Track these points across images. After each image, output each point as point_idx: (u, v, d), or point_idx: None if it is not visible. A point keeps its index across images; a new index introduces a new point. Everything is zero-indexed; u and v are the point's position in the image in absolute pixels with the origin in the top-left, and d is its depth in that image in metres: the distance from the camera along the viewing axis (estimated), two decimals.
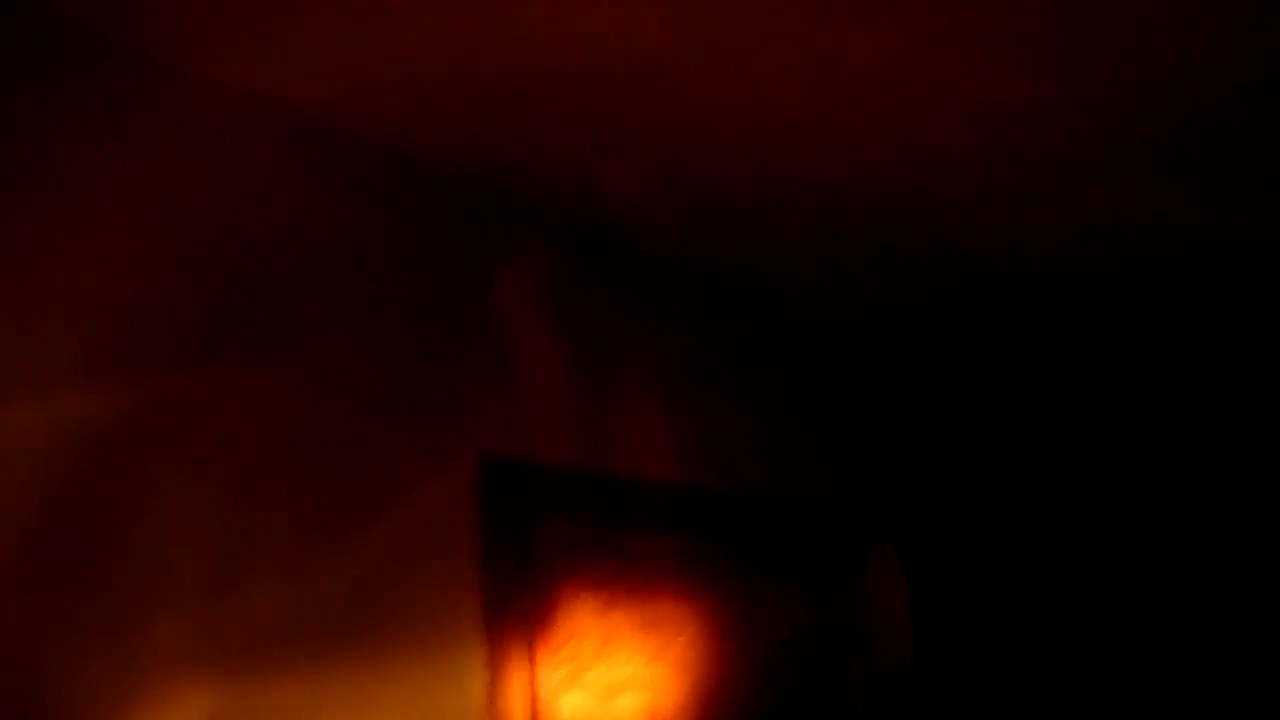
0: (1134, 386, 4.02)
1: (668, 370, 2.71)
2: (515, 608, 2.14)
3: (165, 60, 1.79)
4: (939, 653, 3.30)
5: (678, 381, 2.72)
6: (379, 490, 1.97)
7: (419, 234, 2.20)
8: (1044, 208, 2.55)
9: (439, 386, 2.14)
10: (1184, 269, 3.06)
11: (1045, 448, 4.09)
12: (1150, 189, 2.47)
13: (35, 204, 1.62)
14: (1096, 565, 4.05)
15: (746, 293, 2.99)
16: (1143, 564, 4.15)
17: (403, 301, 2.14)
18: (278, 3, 1.66)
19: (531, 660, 2.16)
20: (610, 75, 1.90)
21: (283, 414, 1.86)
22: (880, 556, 3.19)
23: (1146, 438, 4.22)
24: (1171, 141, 2.25)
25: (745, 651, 2.69)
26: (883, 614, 3.15)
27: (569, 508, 2.35)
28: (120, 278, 1.68)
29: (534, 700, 2.14)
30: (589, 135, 2.12)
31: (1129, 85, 2.01)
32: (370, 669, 1.88)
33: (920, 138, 2.16)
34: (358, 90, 1.92)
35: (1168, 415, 4.16)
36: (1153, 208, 2.57)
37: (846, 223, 2.58)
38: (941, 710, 3.24)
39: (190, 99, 1.84)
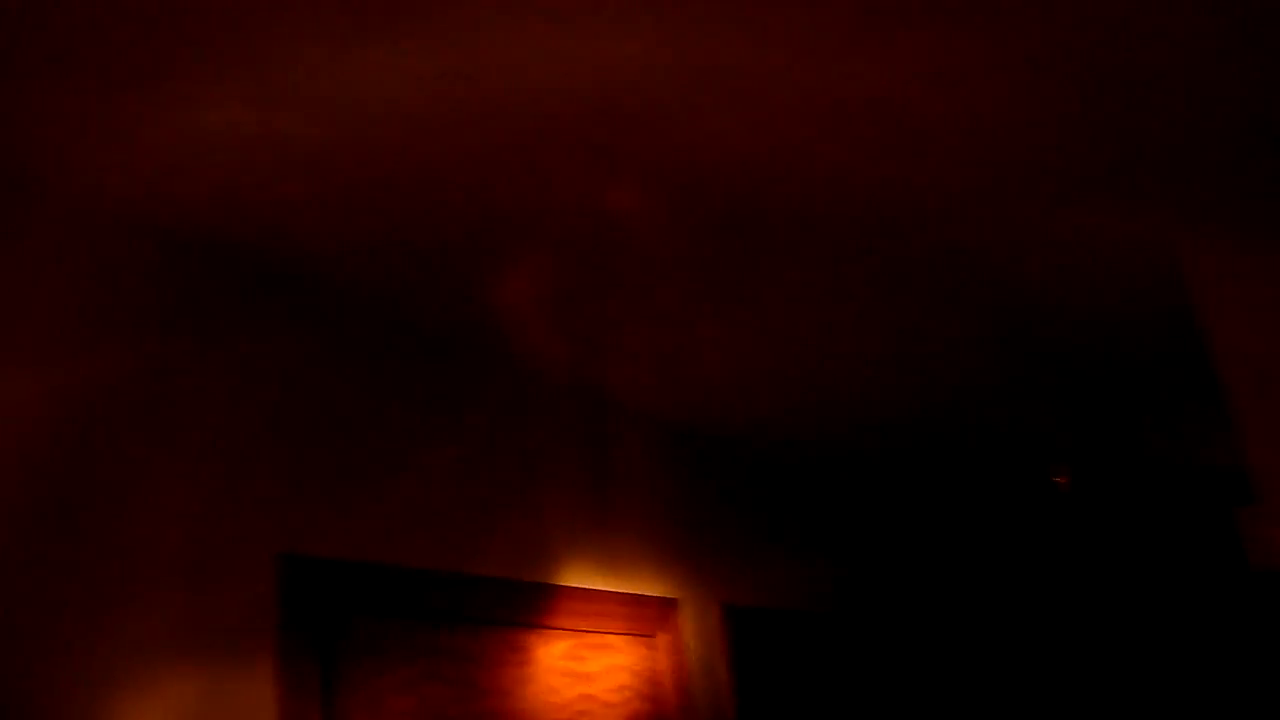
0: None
1: (487, 463, 2.66)
2: (317, 708, 2.03)
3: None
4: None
5: (498, 475, 2.68)
6: (180, 588, 1.92)
7: (223, 328, 2.14)
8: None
9: (241, 485, 2.07)
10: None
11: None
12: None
13: None
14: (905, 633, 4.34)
15: (570, 388, 2.98)
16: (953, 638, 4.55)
17: (214, 398, 2.08)
18: (117, 109, 1.65)
19: None
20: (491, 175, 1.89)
21: None
22: (704, 621, 3.23)
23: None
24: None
25: None
26: (706, 669, 3.18)
27: (384, 604, 2.26)
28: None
29: None
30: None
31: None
32: None
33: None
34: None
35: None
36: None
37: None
38: None
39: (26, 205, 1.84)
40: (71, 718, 1.68)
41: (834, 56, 1.72)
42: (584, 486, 2.96)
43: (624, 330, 2.75)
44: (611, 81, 1.72)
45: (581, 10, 1.55)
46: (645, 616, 3.00)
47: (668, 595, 3.13)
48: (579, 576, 2.82)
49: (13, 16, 1.44)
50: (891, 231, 2.35)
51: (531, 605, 2.63)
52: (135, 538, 1.86)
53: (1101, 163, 2.11)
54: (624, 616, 2.91)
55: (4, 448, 1.69)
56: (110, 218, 1.94)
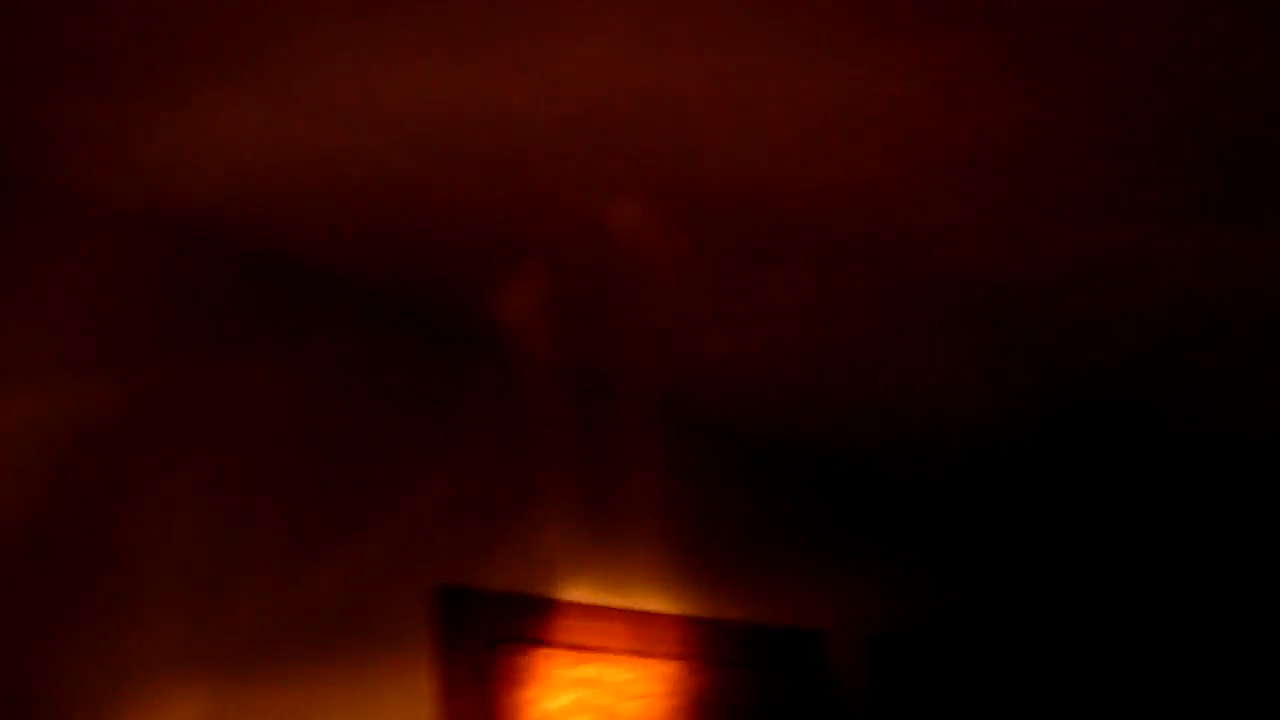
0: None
1: (630, 494, 2.67)
2: None
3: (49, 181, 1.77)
4: None
5: (640, 506, 2.68)
6: (330, 618, 1.96)
7: (368, 361, 2.18)
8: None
9: (393, 515, 2.12)
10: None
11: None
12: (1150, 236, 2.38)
13: None
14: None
15: (695, 416, 2.98)
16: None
17: (354, 427, 2.11)
18: (148, 114, 1.63)
19: None
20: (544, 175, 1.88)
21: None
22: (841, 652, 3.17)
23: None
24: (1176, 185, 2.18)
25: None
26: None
27: (534, 636, 2.31)
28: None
29: None
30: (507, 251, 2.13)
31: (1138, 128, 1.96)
32: None
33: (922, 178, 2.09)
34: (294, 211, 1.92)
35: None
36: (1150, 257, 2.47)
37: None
38: None
39: (73, 217, 1.80)
40: None
41: (840, 67, 1.70)
42: (710, 521, 2.91)
43: (692, 335, 2.65)
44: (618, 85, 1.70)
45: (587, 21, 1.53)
46: (790, 649, 2.95)
47: (816, 628, 3.04)
48: (728, 609, 2.80)
49: (19, 13, 1.40)
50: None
51: (675, 637, 2.63)
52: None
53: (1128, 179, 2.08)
54: (770, 650, 2.89)
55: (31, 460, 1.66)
56: (129, 221, 1.89)
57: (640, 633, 2.55)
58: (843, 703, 3.07)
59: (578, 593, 2.42)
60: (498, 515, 2.33)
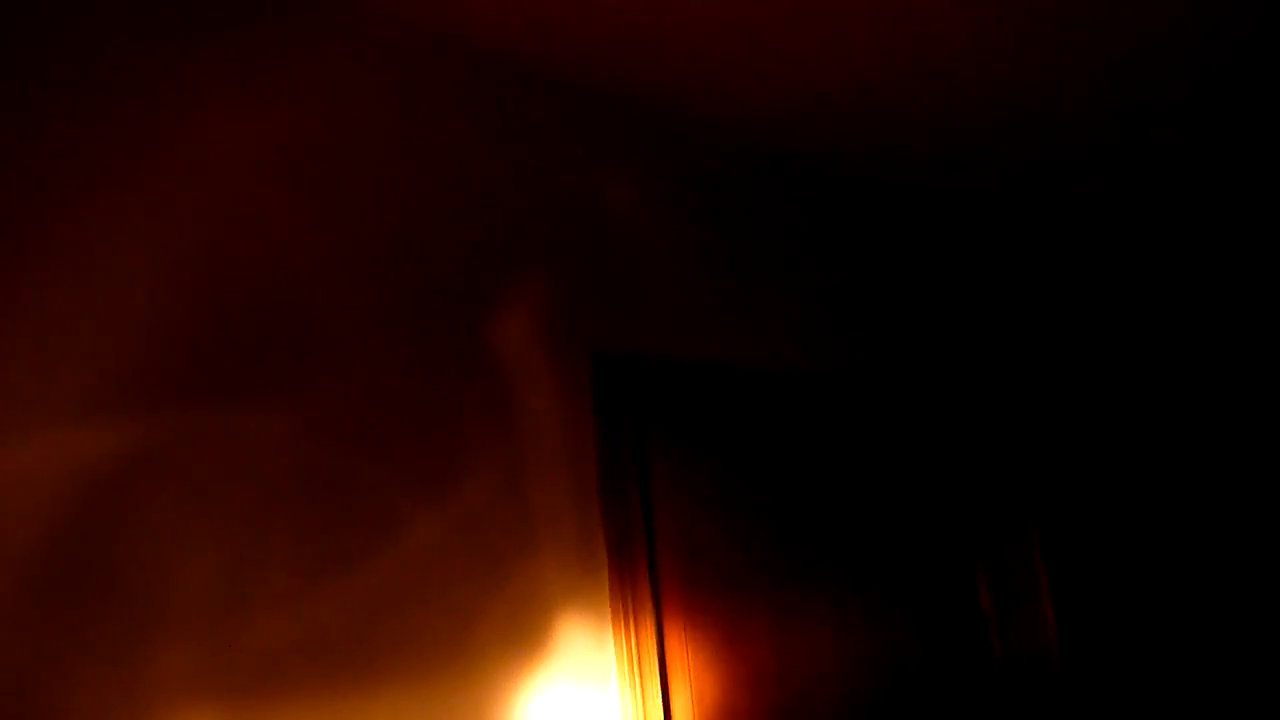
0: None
1: (791, 265, 2.67)
2: (637, 537, 2.14)
3: None
4: (1081, 633, 3.21)
5: (802, 277, 2.68)
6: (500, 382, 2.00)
7: (507, 135, 2.19)
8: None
9: (557, 291, 2.15)
10: None
11: (1177, 438, 3.80)
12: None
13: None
14: (1235, 548, 3.73)
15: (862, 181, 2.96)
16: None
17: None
18: None
19: (656, 606, 2.15)
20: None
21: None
22: (1021, 539, 3.08)
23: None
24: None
25: (874, 635, 2.62)
26: (1023, 594, 3.04)
27: (688, 402, 2.30)
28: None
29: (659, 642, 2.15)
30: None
31: None
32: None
33: None
34: None
35: None
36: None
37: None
38: (1086, 689, 3.15)
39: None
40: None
41: None
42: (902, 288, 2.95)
43: None
44: None
45: None
46: (937, 396, 2.91)
47: (961, 375, 3.02)
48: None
49: None
50: None
51: (828, 396, 2.62)
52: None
53: None
54: (922, 401, 2.86)
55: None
56: (425, 36, 2.01)
57: (790, 393, 2.52)
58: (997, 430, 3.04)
59: (732, 359, 2.43)
60: (652, 286, 2.33)
